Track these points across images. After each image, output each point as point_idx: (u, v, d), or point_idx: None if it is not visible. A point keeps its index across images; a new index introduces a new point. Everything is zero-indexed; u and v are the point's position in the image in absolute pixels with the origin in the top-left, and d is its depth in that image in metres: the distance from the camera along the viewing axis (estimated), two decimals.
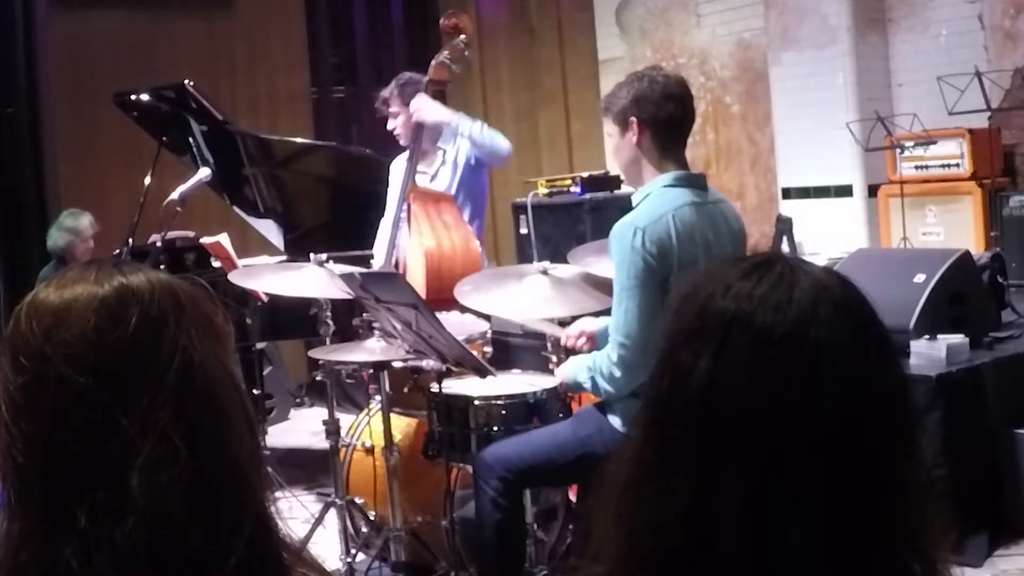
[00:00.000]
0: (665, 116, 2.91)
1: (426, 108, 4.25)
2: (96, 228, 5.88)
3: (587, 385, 2.97)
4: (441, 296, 3.66)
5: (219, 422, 1.02)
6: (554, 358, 3.53)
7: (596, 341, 3.21)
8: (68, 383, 0.98)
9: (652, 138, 2.92)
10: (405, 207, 4.23)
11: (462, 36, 4.33)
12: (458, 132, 4.23)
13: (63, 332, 1.00)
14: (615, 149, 3.03)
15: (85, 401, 0.98)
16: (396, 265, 4.31)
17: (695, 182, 2.97)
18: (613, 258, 2.86)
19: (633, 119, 2.91)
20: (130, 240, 5.35)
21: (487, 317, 3.72)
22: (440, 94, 4.31)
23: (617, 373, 2.84)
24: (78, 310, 1.01)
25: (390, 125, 4.50)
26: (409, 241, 4.19)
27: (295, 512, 4.30)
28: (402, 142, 4.48)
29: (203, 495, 0.98)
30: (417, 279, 3.95)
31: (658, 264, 2.78)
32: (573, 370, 3.05)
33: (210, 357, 1.03)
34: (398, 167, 4.51)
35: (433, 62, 4.34)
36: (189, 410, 1.00)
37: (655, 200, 2.89)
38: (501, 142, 4.32)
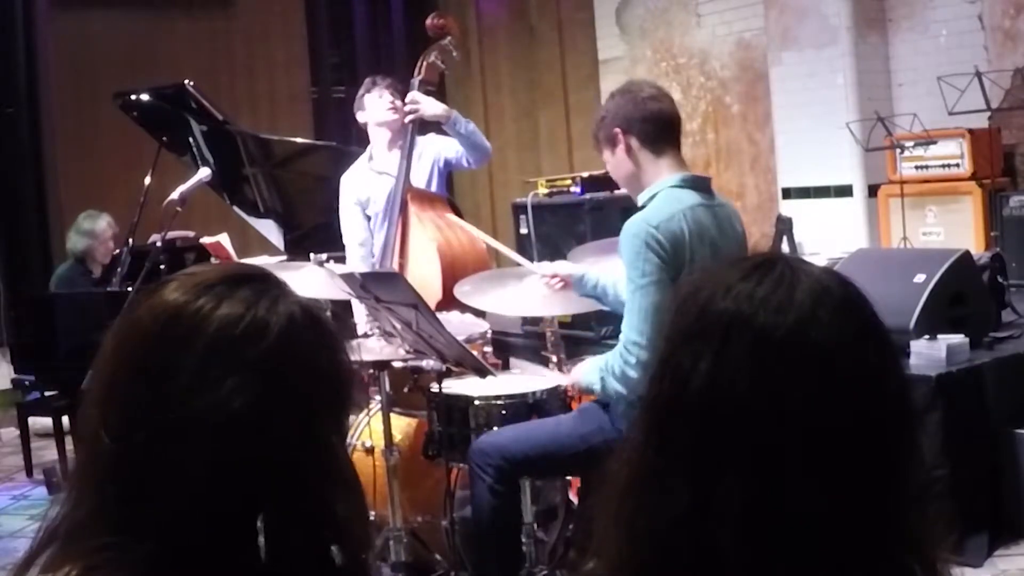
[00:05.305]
0: (645, 115, 2.91)
1: (425, 103, 4.32)
2: (115, 228, 5.84)
3: (596, 387, 2.90)
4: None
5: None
6: (554, 358, 3.53)
7: (572, 287, 3.24)
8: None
9: (640, 141, 2.91)
10: (400, 207, 4.25)
11: (448, 37, 4.43)
12: (455, 127, 4.28)
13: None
14: (613, 169, 3.02)
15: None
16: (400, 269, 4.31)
17: (701, 185, 2.94)
18: (624, 257, 2.80)
19: (617, 131, 2.92)
20: (130, 240, 5.36)
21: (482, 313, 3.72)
22: (429, 93, 4.37)
23: (632, 373, 2.76)
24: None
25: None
26: (414, 241, 4.20)
27: None
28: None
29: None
30: (432, 278, 3.95)
31: (671, 261, 2.74)
32: (587, 373, 2.98)
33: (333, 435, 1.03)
34: (350, 181, 4.54)
35: (423, 62, 4.42)
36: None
37: (664, 199, 2.86)
38: (486, 141, 4.46)
